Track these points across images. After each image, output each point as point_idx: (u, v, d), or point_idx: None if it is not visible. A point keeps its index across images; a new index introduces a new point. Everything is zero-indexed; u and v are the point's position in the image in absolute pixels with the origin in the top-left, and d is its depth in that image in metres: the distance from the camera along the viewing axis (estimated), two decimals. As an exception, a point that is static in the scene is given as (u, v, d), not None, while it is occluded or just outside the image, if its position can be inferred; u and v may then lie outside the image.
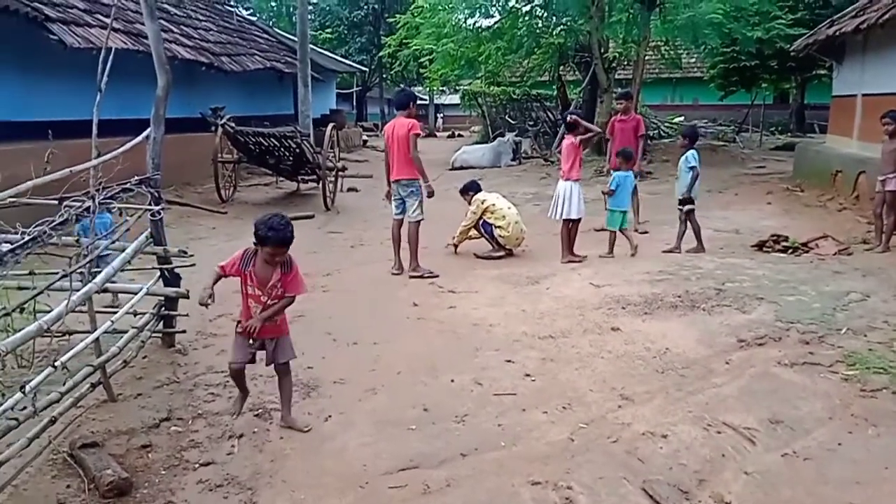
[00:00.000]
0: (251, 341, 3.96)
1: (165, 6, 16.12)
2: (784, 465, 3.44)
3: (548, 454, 3.60)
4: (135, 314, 4.66)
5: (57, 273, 3.27)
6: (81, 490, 3.30)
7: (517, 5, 18.52)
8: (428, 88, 32.03)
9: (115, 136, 5.96)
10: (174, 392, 4.34)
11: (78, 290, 3.32)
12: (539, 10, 18.48)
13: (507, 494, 3.24)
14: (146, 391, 4.43)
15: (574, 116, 7.84)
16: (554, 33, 18.71)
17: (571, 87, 24.04)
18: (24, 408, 3.14)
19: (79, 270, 3.54)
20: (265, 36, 22.09)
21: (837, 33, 11.51)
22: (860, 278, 6.51)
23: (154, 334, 5.05)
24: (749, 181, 13.96)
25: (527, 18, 18.36)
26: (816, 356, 4.65)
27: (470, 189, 8.66)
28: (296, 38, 18.37)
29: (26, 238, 3.35)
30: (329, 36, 35.51)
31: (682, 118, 23.44)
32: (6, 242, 3.46)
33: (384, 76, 38.28)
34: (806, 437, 3.68)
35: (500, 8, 18.63)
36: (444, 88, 33.05)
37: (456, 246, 8.57)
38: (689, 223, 8.04)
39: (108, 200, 4.16)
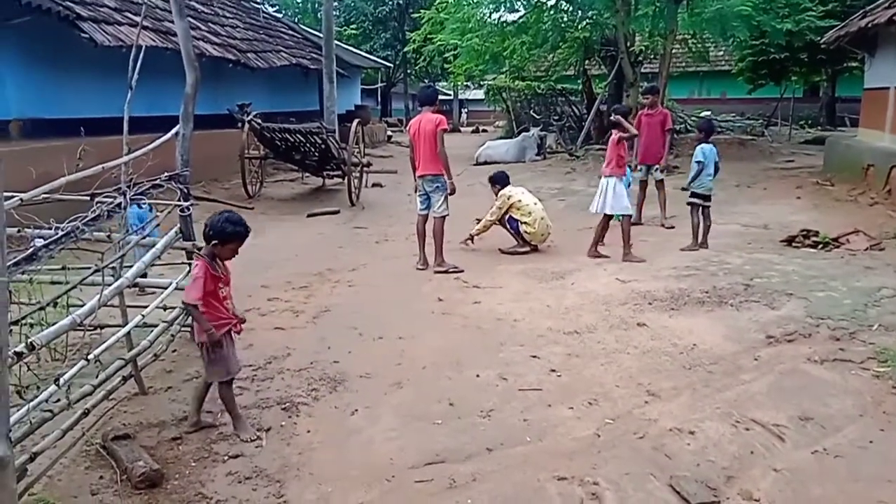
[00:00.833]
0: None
1: (193, 4, 16.29)
2: (814, 462, 3.39)
3: (574, 449, 3.59)
4: (164, 308, 4.72)
5: (89, 268, 3.33)
6: (114, 481, 3.36)
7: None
8: (452, 84, 32.07)
9: (144, 132, 6.03)
10: (203, 385, 4.39)
11: (110, 285, 3.37)
12: (564, 3, 18.37)
13: (533, 489, 3.24)
14: (176, 384, 4.50)
15: (618, 116, 7.77)
16: (579, 27, 18.58)
17: (597, 81, 23.87)
18: (58, 400, 3.20)
19: (111, 265, 3.61)
20: (290, 32, 22.22)
21: (870, 25, 11.27)
22: (892, 274, 6.40)
23: (183, 328, 5.11)
24: (778, 175, 13.76)
25: (552, 12, 18.25)
26: (847, 353, 4.58)
27: (498, 181, 8.61)
28: (321, 35, 18.46)
29: (59, 234, 3.42)
30: (354, 32, 35.60)
31: (708, 112, 23.11)
32: (40, 238, 3.53)
33: (409, 72, 38.30)
34: (836, 434, 3.63)
35: (525, 2, 18.55)
36: (469, 83, 33.06)
37: (472, 238, 8.48)
38: (702, 217, 7.93)
39: (138, 196, 4.22)
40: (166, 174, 4.76)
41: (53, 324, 2.85)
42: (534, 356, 4.87)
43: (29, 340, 2.60)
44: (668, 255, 7.67)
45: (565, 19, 18.53)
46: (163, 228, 5.07)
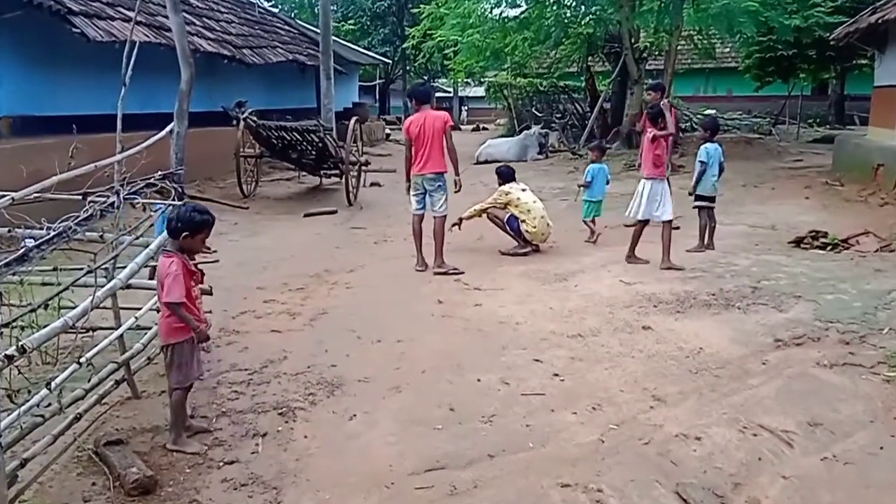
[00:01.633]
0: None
1: (187, -1, 16.31)
2: (823, 469, 3.39)
3: (577, 456, 3.59)
4: (158, 310, 4.72)
5: (82, 269, 3.33)
6: (106, 488, 3.36)
7: (544, -6, 18.46)
8: (452, 80, 32.04)
9: (138, 130, 6.05)
10: (197, 389, 4.38)
11: (103, 287, 3.37)
12: (567, -1, 18.40)
13: (536, 496, 3.24)
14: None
15: (659, 97, 7.41)
16: (583, 23, 18.59)
17: (601, 78, 23.89)
18: (50, 404, 3.21)
19: (103, 266, 3.61)
20: (287, 28, 22.22)
21: (880, 21, 11.28)
22: (904, 276, 6.39)
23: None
24: (786, 175, 13.76)
25: (555, 8, 18.25)
26: (857, 357, 4.58)
27: (502, 175, 8.60)
28: (318, 30, 18.48)
29: (51, 234, 3.42)
30: (352, 27, 35.63)
31: (713, 111, 23.12)
32: (31, 238, 3.53)
33: (408, 68, 38.34)
34: (846, 440, 3.63)
35: (527, -3, 18.58)
36: (469, 80, 33.03)
37: (461, 222, 8.39)
38: (707, 217, 7.93)
39: (132, 195, 4.23)
40: (160, 173, 4.76)
41: (45, 326, 2.85)
42: (536, 360, 4.87)
43: (20, 343, 2.60)
44: (674, 257, 7.66)
45: (568, 15, 18.55)
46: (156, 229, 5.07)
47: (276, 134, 12.42)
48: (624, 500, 3.18)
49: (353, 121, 12.94)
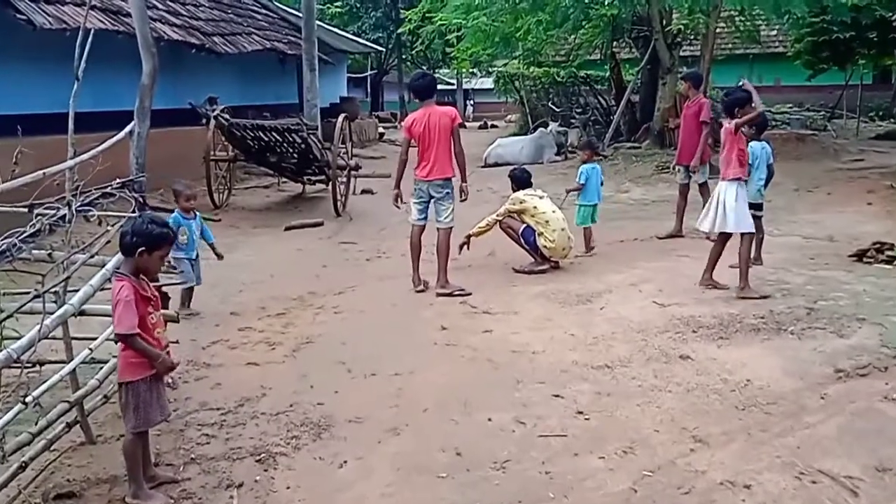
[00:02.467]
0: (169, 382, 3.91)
1: (149, -21, 16.45)
2: (895, 522, 3.37)
3: (606, 508, 3.57)
4: (116, 341, 4.72)
5: (28, 293, 3.33)
6: (56, 548, 3.35)
7: (561, -30, 18.56)
8: (456, 71, 32.16)
9: (93, 131, 6.08)
10: (162, 433, 4.38)
11: (52, 314, 3.38)
12: (588, -25, 18.50)
13: (558, 556, 3.22)
14: (129, 431, 4.48)
15: (748, 87, 6.97)
16: (606, 3, 18.65)
17: (627, 67, 23.97)
18: (-9, 451, 3.20)
19: (53, 290, 3.61)
20: (264, 12, 22.42)
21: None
22: (984, 294, 6.38)
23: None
24: (845, 177, 13.77)
25: (573, -14, 18.36)
26: (932, 390, 4.56)
27: (516, 180, 8.61)
28: (300, 14, 18.63)
29: (-8, 252, 3.43)
30: (339, 10, 35.87)
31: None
32: (-31, 258, 3.54)
33: (404, 57, 38.57)
34: (921, 488, 3.60)
35: (541, -26, 18.67)
36: (475, 70, 33.28)
37: (469, 240, 8.42)
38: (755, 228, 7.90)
39: (85, 207, 4.24)
40: (118, 181, 4.78)
41: (-15, 360, 2.85)
42: (556, 395, 4.85)
43: (-44, 381, 2.60)
44: (715, 274, 7.66)
45: (589, -7, 18.64)
46: (113, 245, 5.07)
47: (252, 134, 12.48)
48: (661, 560, 3.16)
49: (340, 118, 13.01)
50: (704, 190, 9.62)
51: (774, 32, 27.62)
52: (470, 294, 7.38)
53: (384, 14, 36.52)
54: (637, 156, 17.47)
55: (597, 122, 23.28)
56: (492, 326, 6.37)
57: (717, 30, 18.55)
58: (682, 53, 20.63)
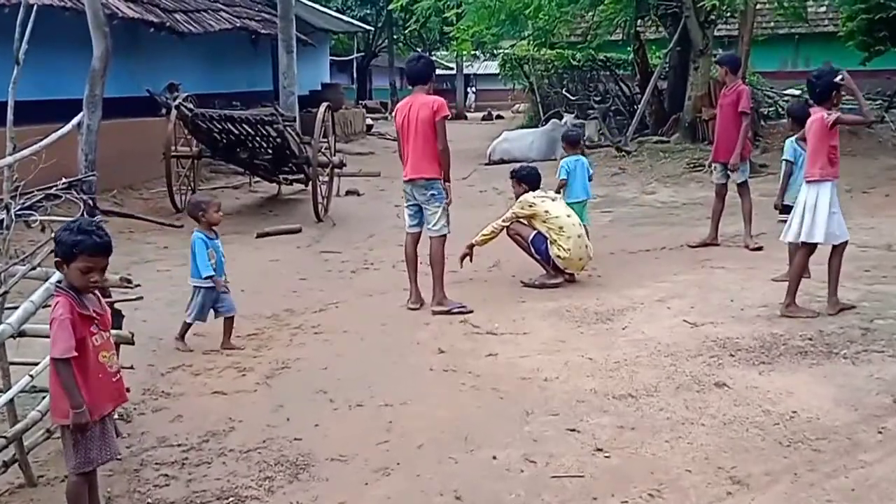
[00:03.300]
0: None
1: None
2: (965, 577, 3.36)
3: (629, 561, 3.56)
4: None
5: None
6: None
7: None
8: (455, 53, 32.16)
9: (35, 123, 6.10)
10: (114, 473, 4.37)
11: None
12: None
13: None
14: (76, 471, 4.47)
15: (844, 75, 6.79)
16: (629, -25, 18.78)
17: (654, 48, 24.01)
18: (-85, 494, 3.19)
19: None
20: (234, -15, 22.48)
21: None
22: None
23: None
24: (905, 176, 13.80)
25: (590, -45, 18.46)
26: None
27: (524, 178, 8.60)
28: (275, -12, 18.67)
29: (-82, 264, 3.43)
30: (320, -17, 36.01)
31: (803, 92, 23.19)
32: None
33: (395, 37, 38.64)
34: None
35: (553, -59, 18.74)
36: (477, 53, 33.27)
37: (472, 250, 8.39)
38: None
39: (26, 211, 4.25)
40: (65, 180, 4.79)
41: None
42: (572, 430, 4.85)
43: None
44: (756, 288, 7.67)
45: (609, -36, 18.73)
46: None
47: (219, 126, 12.49)
48: None
49: (322, 108, 13.03)
50: (744, 191, 9.61)
51: (823, 9, 27.66)
52: (471, 312, 7.38)
53: (373, -12, 36.65)
54: (665, 151, 17.49)
55: (618, 113, 23.31)
56: (497, 349, 6.37)
57: (758, 6, 18.62)
58: (716, 33, 20.67)
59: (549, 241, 8.19)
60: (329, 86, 25.21)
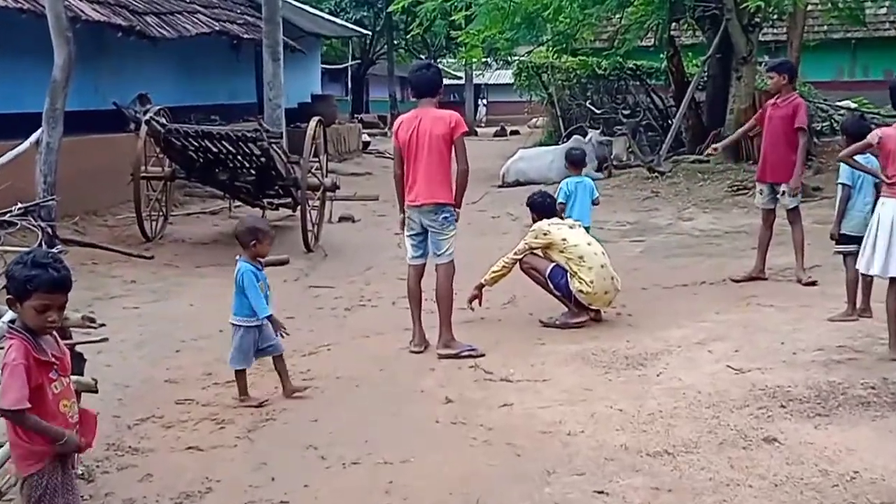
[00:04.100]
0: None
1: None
2: None
3: None
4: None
5: None
6: None
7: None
8: (464, 61, 32.31)
9: (-13, 141, 6.13)
10: (73, 540, 4.35)
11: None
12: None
13: None
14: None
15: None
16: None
17: (690, 55, 24.13)
18: None
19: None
20: (213, -16, 22.66)
21: None
22: None
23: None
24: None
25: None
26: None
27: (535, 207, 8.64)
28: (260, -12, 18.82)
29: None
30: (311, -18, 36.31)
31: (860, 105, 23.19)
32: None
33: (395, 43, 38.87)
34: None
35: (576, -65, 18.87)
36: (489, 60, 33.40)
37: (481, 291, 8.39)
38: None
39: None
40: (21, 205, 4.81)
41: None
42: (600, 492, 4.82)
43: None
44: (810, 329, 7.65)
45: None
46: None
47: (195, 144, 12.53)
48: None
49: (313, 123, 13.07)
50: (795, 218, 9.56)
51: (884, 11, 27.73)
52: (483, 355, 7.36)
53: (370, -13, 36.92)
54: (704, 172, 17.52)
55: (650, 128, 23.38)
56: (512, 399, 6.35)
57: (809, 7, 18.68)
58: (762, 38, 20.74)
59: (568, 274, 8.16)
60: (320, 98, 25.37)
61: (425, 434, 5.79)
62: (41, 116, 9.66)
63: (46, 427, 3.53)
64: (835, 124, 21.12)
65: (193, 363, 7.41)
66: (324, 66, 32.02)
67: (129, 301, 9.56)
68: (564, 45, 23.88)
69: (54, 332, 3.72)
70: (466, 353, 7.38)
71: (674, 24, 22.25)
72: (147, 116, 12.40)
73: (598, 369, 6.93)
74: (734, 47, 18.13)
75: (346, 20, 32.75)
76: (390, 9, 29.55)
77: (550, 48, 24.50)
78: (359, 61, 38.54)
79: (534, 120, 35.12)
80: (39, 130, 5.75)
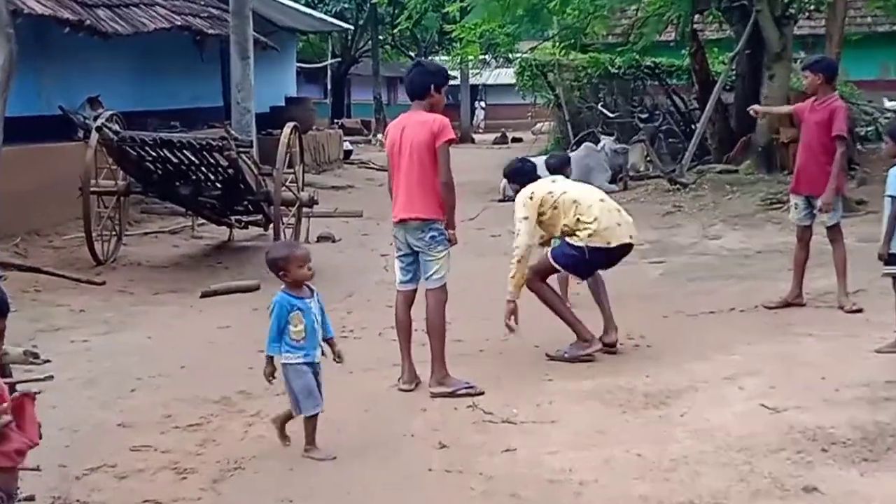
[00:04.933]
0: None
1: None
2: None
3: None
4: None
5: None
6: None
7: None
8: (458, 59, 32.40)
9: (-85, 151, 6.13)
10: None
11: None
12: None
13: None
14: None
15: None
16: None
17: (716, 52, 24.21)
18: None
19: None
20: (174, -28, 22.73)
21: None
22: None
23: None
24: None
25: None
26: None
27: (518, 173, 8.74)
28: (227, -24, 18.87)
29: None
30: (285, -30, 36.42)
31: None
32: None
33: (381, 38, 38.95)
34: None
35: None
36: (487, 58, 33.54)
37: (515, 305, 8.21)
38: None
39: None
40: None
41: None
42: (616, 549, 4.81)
43: None
44: (855, 362, 7.65)
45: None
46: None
47: (154, 154, 12.54)
48: None
49: (287, 129, 13.10)
50: (836, 235, 9.50)
51: (934, 0, 27.93)
52: (482, 393, 7.34)
53: (352, -24, 37.01)
54: (732, 184, 17.55)
55: (671, 134, 23.43)
56: (516, 443, 6.32)
57: (850, -3, 18.73)
58: (797, 31, 20.81)
59: (568, 235, 8.12)
60: (296, 101, 25.39)
61: (416, 484, 5.77)
62: (-23, 123, 9.67)
63: None
64: (880, 128, 21.17)
65: (151, 404, 7.38)
66: (300, 65, 32.09)
67: (77, 333, 9.53)
68: (573, 41, 24.03)
69: None
70: (463, 391, 7.36)
71: (697, 16, 22.32)
72: (98, 123, 12.37)
73: (613, 409, 6.92)
74: (766, 42, 18.19)
75: (326, 13, 32.83)
76: (375, 0, 29.72)
77: (557, 44, 24.65)
78: (339, 59, 38.60)
79: (538, 125, 35.27)
80: (-25, 139, 5.76)
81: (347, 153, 27.74)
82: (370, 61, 39.69)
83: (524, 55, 28.18)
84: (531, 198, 8.23)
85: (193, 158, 12.41)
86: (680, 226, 15.21)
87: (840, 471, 5.57)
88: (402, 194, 7.48)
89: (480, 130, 46.65)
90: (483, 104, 53.43)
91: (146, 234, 15.23)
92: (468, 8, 21.06)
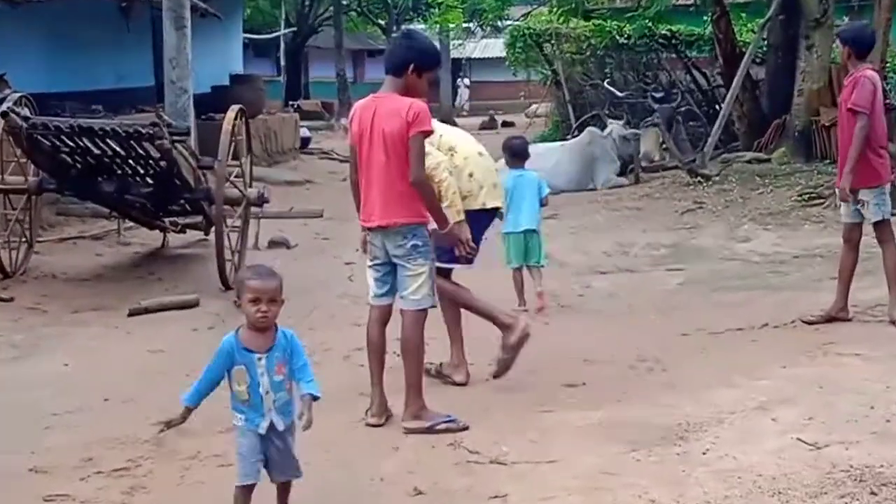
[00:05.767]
0: None
1: None
2: None
3: None
4: None
5: None
6: None
7: None
8: (438, 28, 32.45)
9: None
10: None
11: None
12: None
13: None
14: None
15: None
16: None
17: (743, 18, 24.30)
18: None
19: None
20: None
21: None
22: None
23: None
24: None
25: None
26: None
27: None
28: (158, -69, 18.87)
29: None
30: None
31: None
32: None
33: (344, 4, 38.96)
34: None
35: None
36: (472, 26, 33.61)
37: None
38: None
39: None
40: None
41: None
42: None
43: None
44: None
45: None
46: None
47: (71, 143, 12.51)
48: None
49: (231, 114, 13.07)
50: (886, 235, 9.42)
51: None
52: (466, 429, 7.35)
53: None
54: (764, 175, 17.60)
55: (691, 116, 23.48)
56: (507, 488, 6.32)
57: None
58: (837, -3, 20.93)
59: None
60: (243, 79, 25.36)
61: (387, 538, 5.79)
62: None
63: None
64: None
65: (69, 445, 7.35)
66: (247, 36, 32.09)
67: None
68: (574, 6, 24.06)
69: None
70: (443, 426, 7.36)
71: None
72: (4, 107, 12.36)
73: (622, 446, 6.91)
74: (803, 6, 18.25)
75: (277, -26, 32.84)
76: (337, -41, 29.71)
77: (555, 10, 24.68)
78: (295, 29, 38.61)
79: (533, 107, 35.30)
80: None
81: (305, 141, 27.68)
82: (332, 31, 39.66)
83: (516, 23, 28.23)
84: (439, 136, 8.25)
85: (119, 149, 12.37)
86: (702, 226, 15.24)
87: (893, 518, 5.61)
88: (376, 195, 7.36)
89: (464, 113, 46.69)
90: (467, 82, 53.54)
91: (63, 240, 15.20)
92: (449, -32, 21.19)
